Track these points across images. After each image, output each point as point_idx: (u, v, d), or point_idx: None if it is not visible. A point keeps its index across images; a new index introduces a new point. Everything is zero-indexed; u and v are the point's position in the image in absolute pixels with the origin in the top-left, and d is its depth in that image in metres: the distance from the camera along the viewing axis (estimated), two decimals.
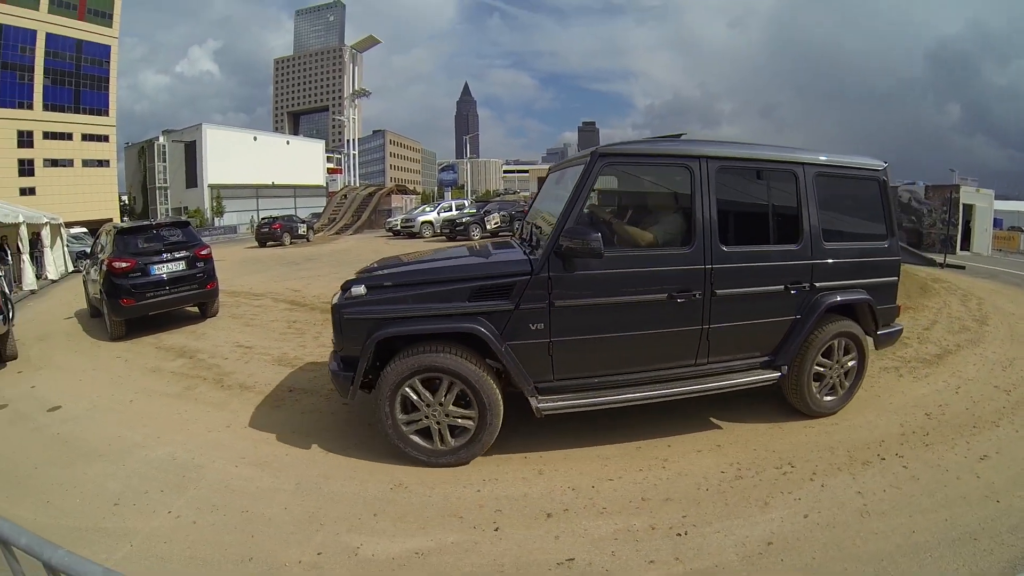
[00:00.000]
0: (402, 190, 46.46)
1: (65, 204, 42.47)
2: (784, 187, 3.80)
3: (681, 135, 4.04)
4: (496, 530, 2.68)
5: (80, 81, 49.93)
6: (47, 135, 47.43)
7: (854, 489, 3.00)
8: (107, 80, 52.41)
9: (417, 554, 2.51)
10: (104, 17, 50.96)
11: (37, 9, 45.65)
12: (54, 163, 47.77)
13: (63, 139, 48.61)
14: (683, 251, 3.49)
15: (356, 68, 59.81)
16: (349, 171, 57.49)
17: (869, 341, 4.12)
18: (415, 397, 3.32)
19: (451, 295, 3.35)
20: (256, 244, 26.98)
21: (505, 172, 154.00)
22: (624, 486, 3.09)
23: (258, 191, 59.40)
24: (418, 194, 63.29)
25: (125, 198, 62.49)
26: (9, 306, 8.03)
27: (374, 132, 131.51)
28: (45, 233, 15.93)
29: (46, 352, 7.19)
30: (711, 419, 3.97)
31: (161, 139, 59.54)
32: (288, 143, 69.32)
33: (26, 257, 13.56)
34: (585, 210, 3.50)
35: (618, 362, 3.52)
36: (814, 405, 3.94)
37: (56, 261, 16.30)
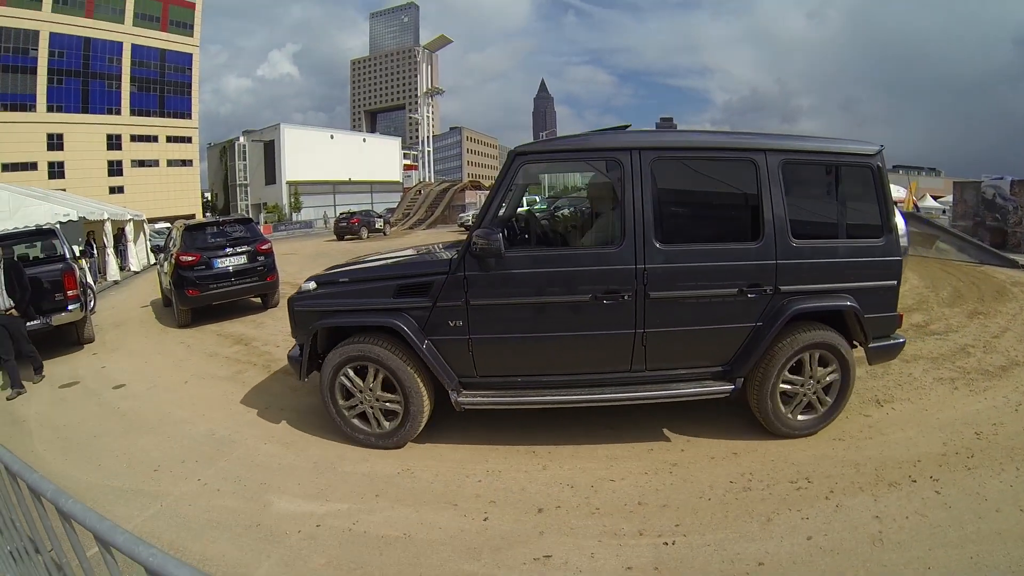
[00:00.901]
0: (476, 186, 47.74)
1: (151, 201, 47.50)
2: (740, 178, 3.47)
3: (627, 126, 3.75)
4: (485, 520, 2.83)
5: (164, 87, 55.78)
6: (134, 138, 53.29)
7: (872, 512, 2.78)
8: (189, 86, 58.08)
9: (405, 535, 2.71)
10: (186, 28, 56.73)
11: (123, 23, 51.57)
12: (141, 163, 53.60)
13: (149, 141, 54.42)
14: (611, 250, 3.41)
15: (429, 67, 61.89)
16: (424, 167, 59.85)
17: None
18: (349, 384, 3.65)
19: (380, 292, 3.62)
20: (334, 238, 28.79)
21: None
22: (624, 488, 3.11)
23: (335, 187, 62.75)
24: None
25: (208, 195, 68.11)
26: (91, 295, 9.07)
27: (451, 129, 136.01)
28: (129, 229, 17.70)
29: (120, 337, 8.09)
30: (731, 425, 3.87)
31: (241, 139, 64.27)
32: (364, 141, 72.64)
33: (111, 251, 15.17)
34: (522, 210, 3.58)
35: (542, 363, 3.55)
36: (780, 424, 3.57)
37: (138, 254, 18.07)
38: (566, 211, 22.23)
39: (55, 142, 48.15)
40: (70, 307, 6.93)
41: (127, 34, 51.92)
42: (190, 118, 58.49)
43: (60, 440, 4.27)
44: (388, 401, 3.64)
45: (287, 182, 60.01)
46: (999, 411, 4.01)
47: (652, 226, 3.33)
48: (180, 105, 57.20)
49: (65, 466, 3.75)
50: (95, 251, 15.07)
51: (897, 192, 30.46)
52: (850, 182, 3.65)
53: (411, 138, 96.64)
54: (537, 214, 4.75)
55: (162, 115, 55.54)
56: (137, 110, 53.36)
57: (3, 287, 5.59)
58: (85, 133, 49.59)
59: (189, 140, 58.46)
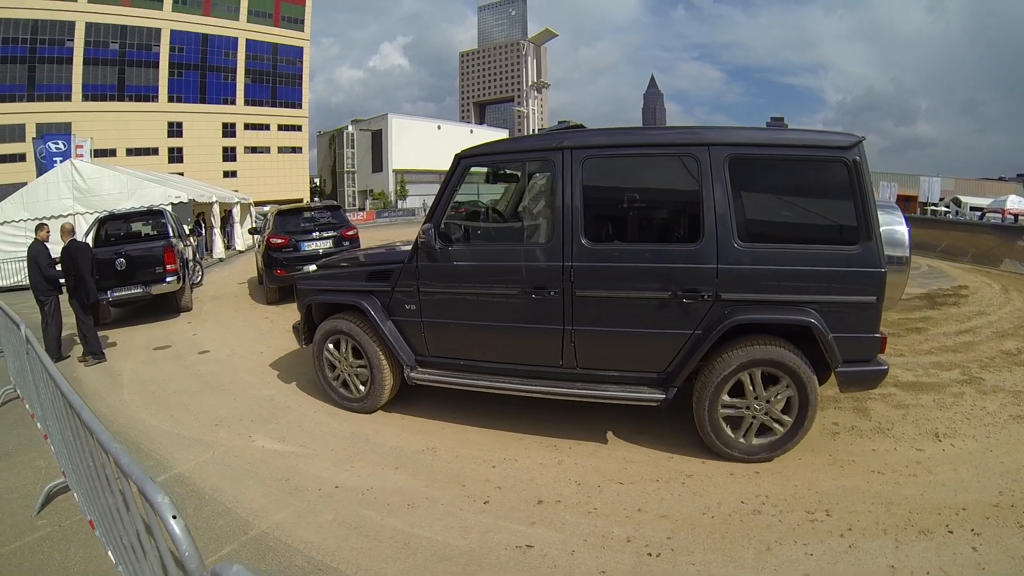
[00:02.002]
0: None
1: (261, 186, 52.97)
2: (680, 174, 3.37)
3: (580, 126, 3.69)
4: (485, 503, 3.07)
5: (276, 79, 62.14)
6: (248, 126, 59.88)
7: (887, 560, 2.54)
8: (300, 77, 64.14)
9: (408, 506, 3.03)
10: (296, 23, 62.88)
11: (238, 20, 58.20)
12: (253, 150, 60.03)
13: (261, 130, 60.81)
14: (541, 246, 3.57)
15: (535, 61, 63.19)
16: None
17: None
18: (330, 356, 4.33)
19: (358, 276, 4.27)
20: None
21: None
22: (629, 492, 3.18)
23: (441, 176, 65.89)
24: None
25: (316, 181, 74.03)
26: (197, 269, 10.40)
27: (559, 123, 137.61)
28: (236, 211, 19.80)
29: (214, 309, 9.26)
30: None
31: (350, 128, 69.21)
32: (472, 132, 75.50)
33: (217, 231, 17.11)
34: (478, 209, 3.76)
35: (480, 349, 3.88)
36: (725, 445, 3.39)
37: (243, 235, 20.18)
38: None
39: (175, 130, 55.39)
40: (168, 279, 8.19)
41: (242, 30, 58.63)
42: (300, 108, 64.47)
43: (145, 392, 5.13)
44: (360, 367, 4.22)
45: (393, 170, 63.79)
46: None
47: (581, 224, 3.44)
48: (291, 95, 63.31)
49: (143, 414, 4.53)
50: (203, 230, 17.08)
51: (1018, 204, 26.57)
52: (818, 180, 3.34)
53: (519, 130, 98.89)
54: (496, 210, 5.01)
55: (274, 105, 61.84)
56: (251, 100, 60.06)
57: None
58: (202, 121, 56.51)
59: (299, 128, 64.51)
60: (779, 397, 3.33)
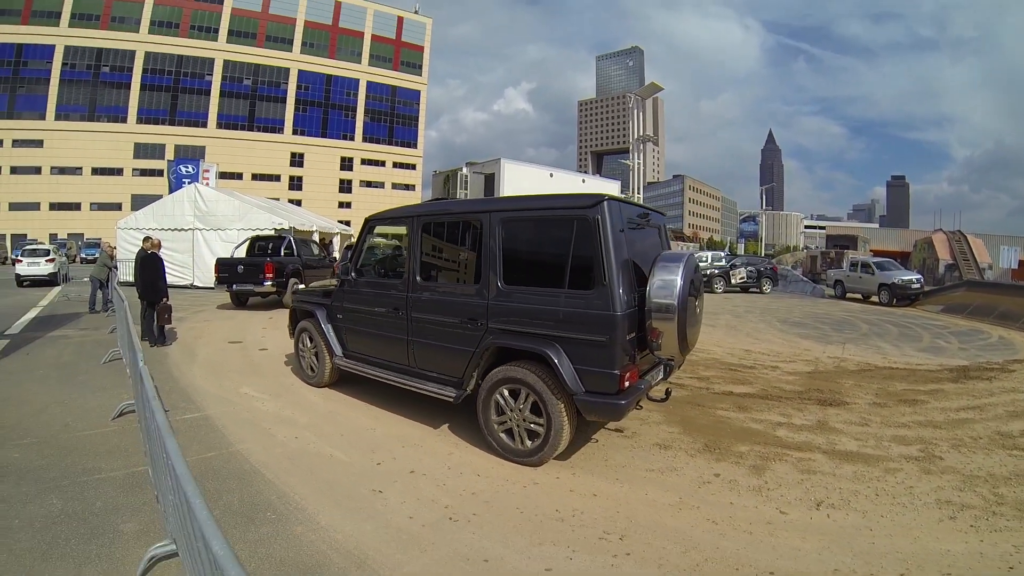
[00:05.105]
0: (679, 237, 49.05)
1: None
2: (473, 232, 4.86)
3: (443, 198, 5.93)
4: (378, 465, 4.49)
5: (394, 119, 71.54)
6: (364, 161, 69.21)
7: None
8: (416, 119, 73.07)
9: (411, 473, 4.15)
10: (415, 68, 72.71)
11: (360, 63, 69.41)
12: (368, 184, 68.78)
13: (377, 166, 69.72)
14: (396, 282, 5.41)
15: (641, 114, 65.11)
16: None
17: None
18: (302, 345, 6.62)
19: (319, 294, 6.53)
20: None
21: (806, 227, 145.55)
22: (596, 517, 3.54)
23: None
24: (695, 241, 64.95)
25: None
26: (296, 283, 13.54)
27: (674, 176, 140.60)
28: (336, 240, 23.16)
29: None
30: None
31: (464, 169, 75.07)
32: (584, 181, 78.84)
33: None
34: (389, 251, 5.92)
35: (372, 349, 5.70)
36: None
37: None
38: (742, 270, 22.75)
39: (296, 160, 66.43)
40: (265, 283, 12.88)
41: (363, 72, 69.65)
42: (415, 147, 72.51)
43: (208, 368, 7.31)
44: (315, 353, 6.40)
45: None
46: (986, 561, 3.13)
47: (418, 268, 5.18)
48: (407, 135, 72.37)
49: (200, 381, 6.65)
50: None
51: None
52: (567, 233, 4.27)
53: (631, 182, 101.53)
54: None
55: (390, 143, 71.08)
56: (368, 137, 69.98)
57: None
58: (322, 154, 67.01)
59: (413, 167, 72.68)
60: (523, 407, 4.32)
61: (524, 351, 4.32)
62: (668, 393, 5.07)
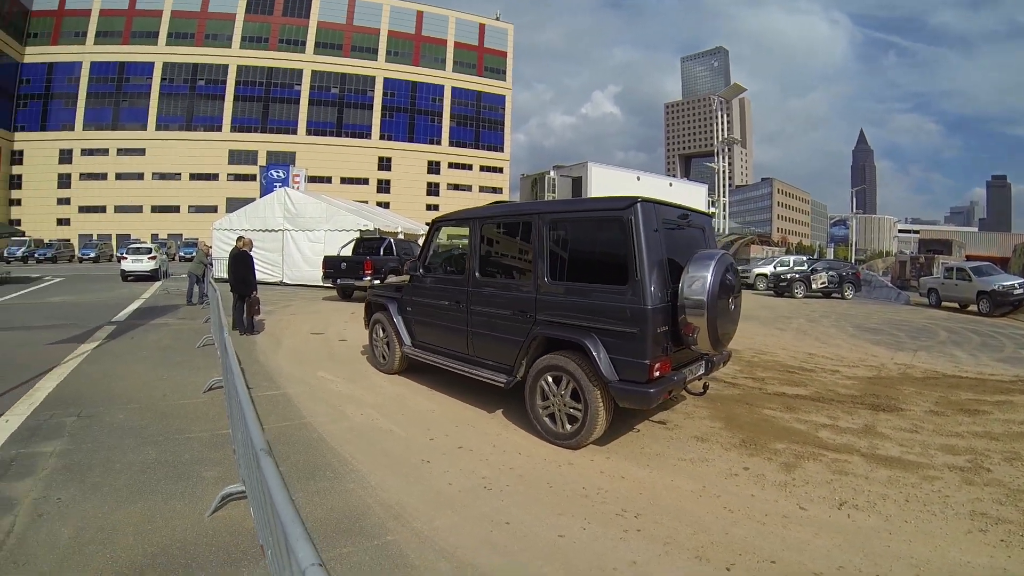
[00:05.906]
0: (764, 241, 47.15)
1: None
2: (526, 235, 5.26)
3: (502, 201, 6.19)
4: (431, 440, 4.76)
5: (480, 123, 73.61)
6: (451, 165, 71.73)
7: (632, 557, 3.01)
8: (502, 123, 74.70)
9: (459, 448, 4.52)
10: (499, 73, 74.72)
11: (444, 70, 72.43)
12: (455, 187, 71.10)
13: (464, 169, 71.95)
14: (458, 278, 5.86)
15: (725, 116, 63.16)
16: (720, 217, 61.85)
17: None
18: (374, 335, 7.28)
19: (392, 288, 7.17)
20: None
21: (900, 231, 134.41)
22: (618, 496, 3.74)
23: None
24: (781, 246, 62.07)
25: None
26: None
27: (762, 180, 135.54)
28: (400, 238, 24.26)
29: None
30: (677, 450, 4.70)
31: (552, 173, 75.89)
32: (671, 185, 77.54)
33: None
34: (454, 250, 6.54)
35: (436, 339, 6.16)
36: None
37: None
38: (823, 275, 21.75)
39: (384, 164, 70.02)
40: (364, 278, 14.26)
41: (447, 78, 72.45)
42: (502, 151, 74.00)
43: (291, 355, 8.02)
44: (386, 342, 6.98)
45: None
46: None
47: (477, 266, 5.65)
48: (493, 139, 74.16)
49: (284, 364, 7.34)
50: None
51: None
52: (603, 233, 4.77)
53: (717, 185, 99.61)
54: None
55: (477, 147, 73.13)
56: (455, 142, 72.48)
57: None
58: (409, 158, 70.13)
59: (500, 171, 74.33)
60: (564, 393, 4.65)
61: (566, 341, 4.66)
62: (706, 387, 5.11)
